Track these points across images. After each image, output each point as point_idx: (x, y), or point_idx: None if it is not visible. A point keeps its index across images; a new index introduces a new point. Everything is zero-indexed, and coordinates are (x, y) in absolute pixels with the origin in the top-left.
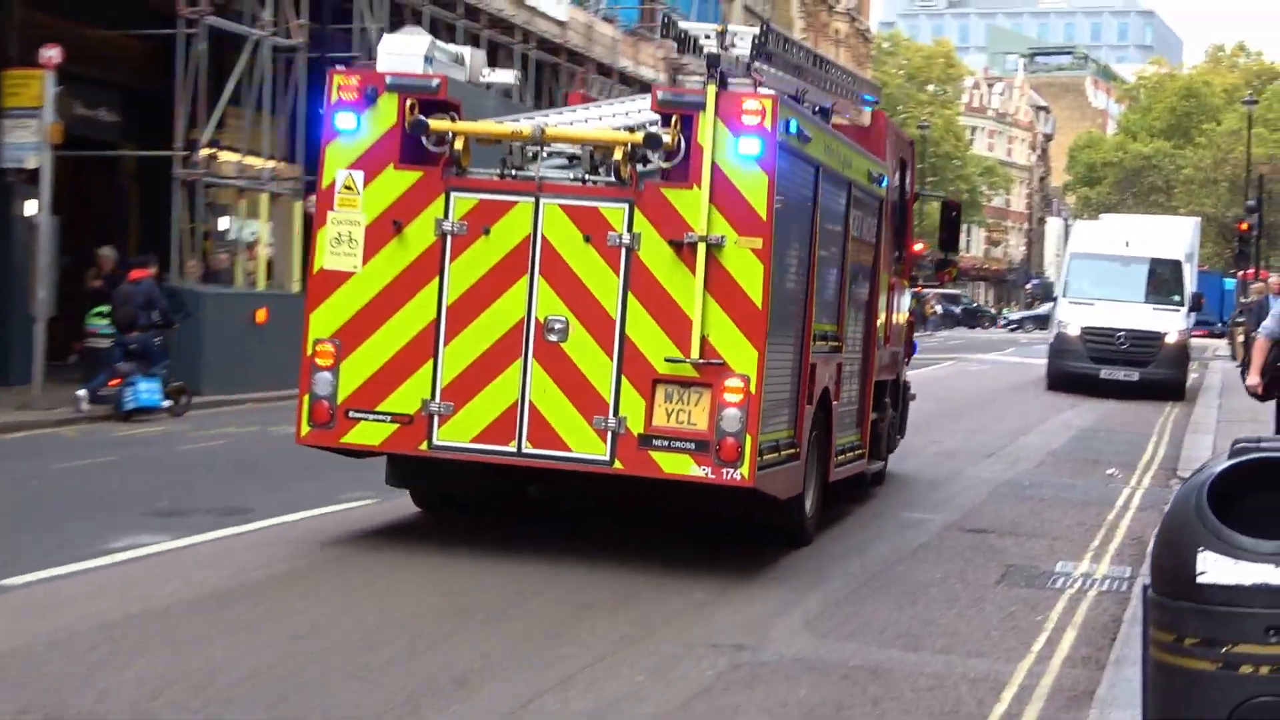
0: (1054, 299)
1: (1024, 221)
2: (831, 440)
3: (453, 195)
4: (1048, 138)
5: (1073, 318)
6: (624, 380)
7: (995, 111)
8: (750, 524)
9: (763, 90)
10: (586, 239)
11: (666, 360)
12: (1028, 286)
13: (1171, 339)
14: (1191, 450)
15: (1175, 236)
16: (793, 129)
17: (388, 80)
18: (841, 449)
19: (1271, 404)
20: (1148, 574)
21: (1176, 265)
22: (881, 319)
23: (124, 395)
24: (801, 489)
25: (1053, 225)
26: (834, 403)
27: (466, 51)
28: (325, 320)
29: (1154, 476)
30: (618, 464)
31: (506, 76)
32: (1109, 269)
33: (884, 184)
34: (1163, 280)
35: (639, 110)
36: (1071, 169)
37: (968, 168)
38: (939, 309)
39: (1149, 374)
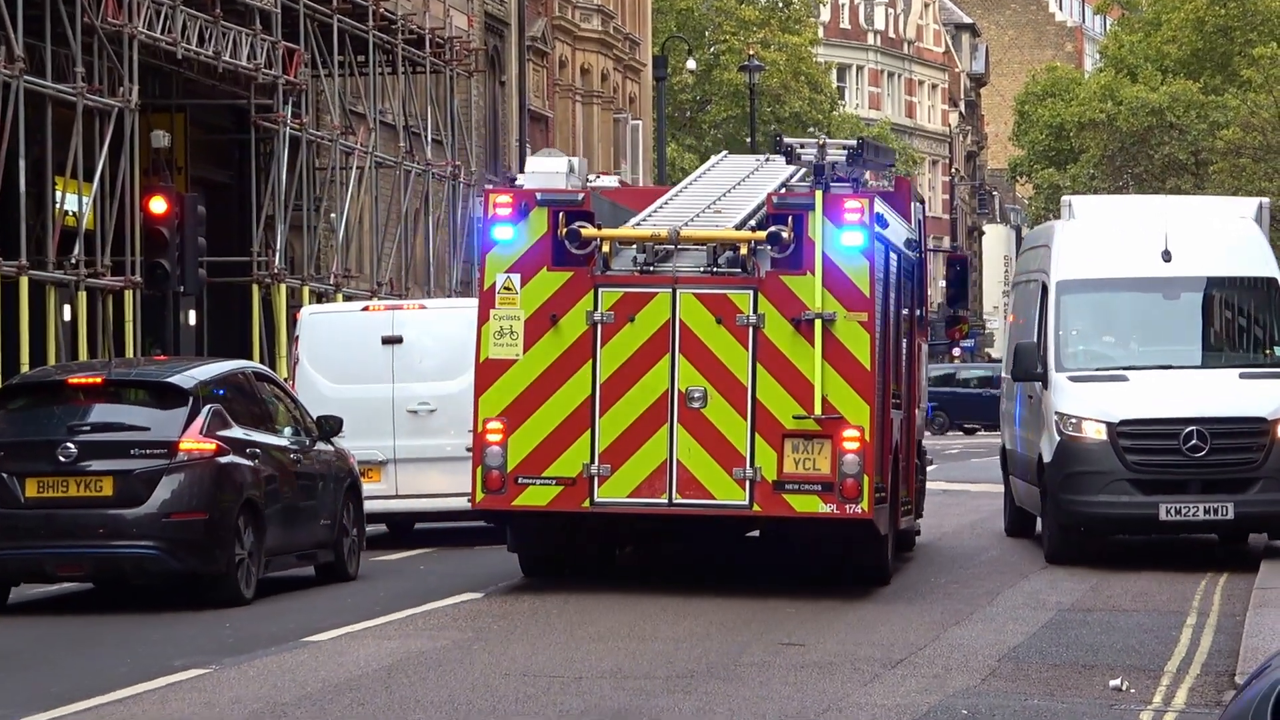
0: (1037, 374)
1: (943, 233)
2: (898, 491)
3: (600, 290)
4: (978, 82)
5: (1089, 407)
6: (757, 437)
7: (881, 37)
8: (841, 564)
9: (861, 191)
10: (718, 320)
11: (794, 418)
12: (956, 352)
13: None
14: (1259, 638)
15: (1252, 233)
16: (879, 220)
17: (538, 196)
18: (904, 500)
19: None
20: None
21: (1269, 286)
22: (917, 378)
23: None
24: (888, 529)
25: (996, 236)
26: (900, 456)
27: (575, 161)
28: (493, 401)
29: (1193, 689)
30: (756, 507)
31: (610, 180)
32: (1137, 307)
33: (915, 249)
34: (1250, 318)
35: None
36: (1023, 135)
37: (836, 139)
38: None
39: (1253, 503)
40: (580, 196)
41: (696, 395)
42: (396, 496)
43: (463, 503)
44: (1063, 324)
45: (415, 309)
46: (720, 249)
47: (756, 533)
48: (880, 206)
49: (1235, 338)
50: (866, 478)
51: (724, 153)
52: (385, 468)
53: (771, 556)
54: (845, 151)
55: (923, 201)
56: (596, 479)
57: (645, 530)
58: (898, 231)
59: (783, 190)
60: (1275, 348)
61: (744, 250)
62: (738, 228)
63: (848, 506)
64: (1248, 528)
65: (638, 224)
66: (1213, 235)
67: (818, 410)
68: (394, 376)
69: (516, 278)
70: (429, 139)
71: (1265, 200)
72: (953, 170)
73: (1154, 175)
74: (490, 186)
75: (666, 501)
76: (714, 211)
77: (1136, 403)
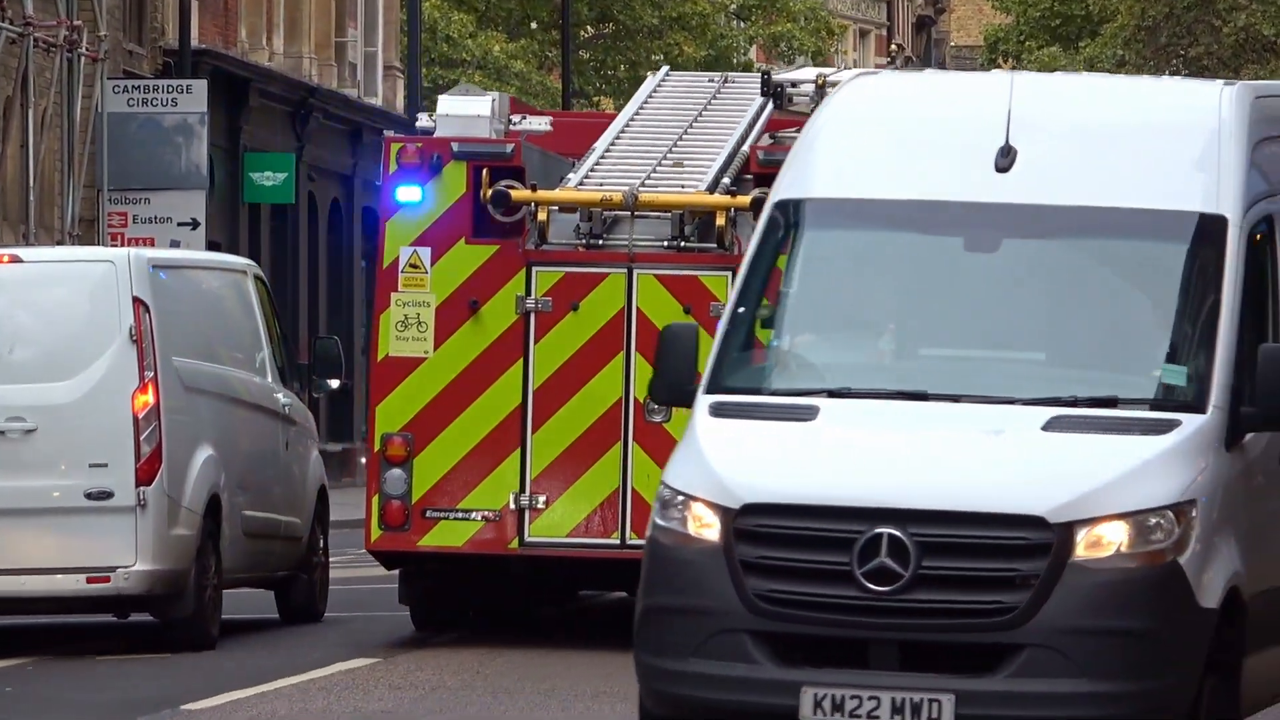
0: (684, 392)
1: None
2: None
3: (534, 269)
4: None
5: (706, 475)
6: None
7: None
8: None
9: None
10: (686, 310)
11: None
12: None
13: (1118, 535)
14: None
15: (1195, 135)
16: None
17: (454, 148)
18: None
19: None
20: None
21: (1199, 233)
22: None
23: None
24: None
25: None
26: None
27: (495, 98)
28: (394, 412)
29: None
30: None
31: (540, 124)
32: (917, 264)
33: None
34: (1149, 295)
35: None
36: None
37: (709, 24)
38: None
39: (1000, 699)
40: (509, 148)
41: (658, 406)
42: None
43: (79, 582)
44: (752, 294)
45: (3, 263)
46: (689, 217)
47: None
48: None
49: (1099, 336)
50: None
51: (665, 69)
52: None
53: None
54: None
55: None
56: (528, 513)
57: (589, 579)
58: None
59: (768, 141)
60: (1168, 365)
61: (720, 220)
62: (710, 188)
63: None
64: None
65: (581, 182)
66: (1109, 128)
67: None
68: None
69: (426, 253)
70: None
71: (1245, 86)
72: (892, 47)
73: (1220, 60)
74: (390, 134)
75: (618, 543)
76: (673, 164)
77: (791, 469)
